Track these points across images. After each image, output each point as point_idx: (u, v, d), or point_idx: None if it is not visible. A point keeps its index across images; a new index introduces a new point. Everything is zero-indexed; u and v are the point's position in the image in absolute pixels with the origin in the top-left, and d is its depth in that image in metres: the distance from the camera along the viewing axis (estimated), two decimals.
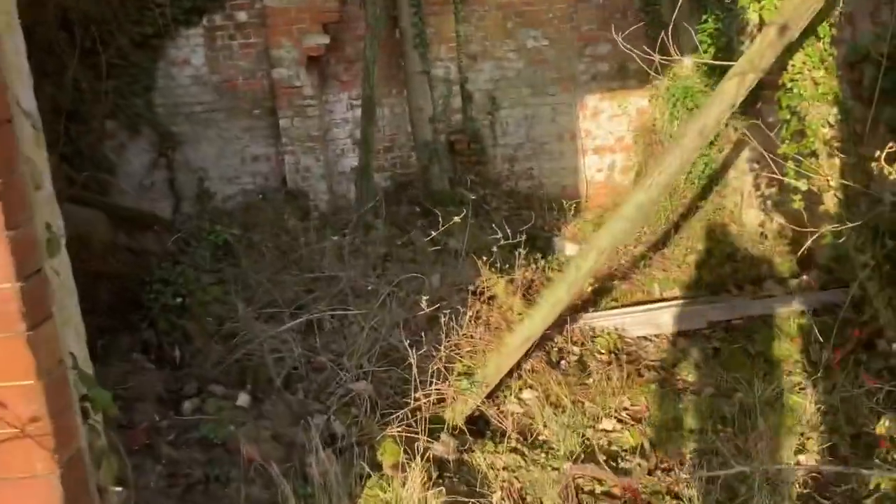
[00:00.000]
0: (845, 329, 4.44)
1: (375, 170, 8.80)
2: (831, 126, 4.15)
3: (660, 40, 9.01)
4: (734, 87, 3.74)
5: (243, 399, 4.10)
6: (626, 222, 3.94)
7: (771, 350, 4.79)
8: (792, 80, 4.05)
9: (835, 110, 4.15)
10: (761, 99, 6.13)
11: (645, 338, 5.23)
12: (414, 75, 7.59)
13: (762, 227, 6.73)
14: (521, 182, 9.76)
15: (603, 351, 4.97)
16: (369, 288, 5.07)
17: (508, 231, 7.67)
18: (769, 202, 6.58)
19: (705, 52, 7.30)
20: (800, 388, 4.35)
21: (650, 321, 5.25)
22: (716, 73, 6.65)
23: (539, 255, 6.94)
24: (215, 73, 9.19)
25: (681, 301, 5.42)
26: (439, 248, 7.04)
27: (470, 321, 4.68)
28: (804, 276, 5.18)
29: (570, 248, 8.04)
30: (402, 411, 3.66)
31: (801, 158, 4.27)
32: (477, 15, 9.26)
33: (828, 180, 4.17)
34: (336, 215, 9.15)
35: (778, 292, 5.16)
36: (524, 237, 7.00)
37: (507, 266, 6.11)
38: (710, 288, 6.06)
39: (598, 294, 6.41)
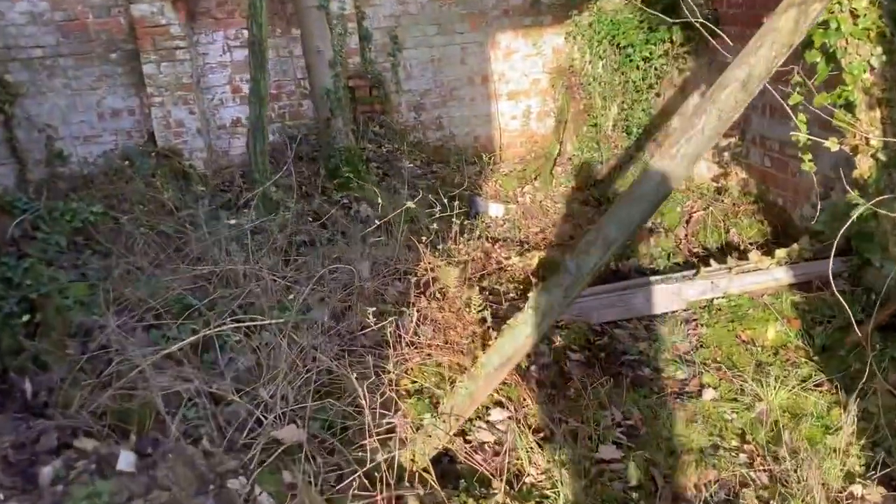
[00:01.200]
0: (853, 306, 3.80)
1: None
2: (873, 70, 3.41)
3: None
4: (791, 23, 2.88)
5: (126, 460, 2.99)
6: (644, 203, 3.07)
7: (766, 334, 4.12)
8: (829, 13, 3.25)
9: (879, 50, 3.39)
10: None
11: (616, 324, 4.46)
12: (308, 10, 6.34)
13: (716, 182, 6.07)
14: (430, 133, 8.74)
15: (575, 347, 4.15)
16: (283, 285, 3.98)
17: (429, 197, 6.76)
18: (726, 154, 5.91)
19: None
20: (815, 385, 3.70)
21: (621, 304, 4.47)
22: (657, 6, 5.80)
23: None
24: (58, 10, 7.56)
25: (650, 278, 4.66)
26: (358, 220, 5.99)
27: (417, 324, 3.72)
28: (795, 244, 4.54)
29: (494, 209, 7.16)
30: (355, 476, 2.67)
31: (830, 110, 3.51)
32: None
33: (866, 138, 3.46)
34: (218, 176, 7.86)
35: (763, 263, 4.49)
36: (454, 202, 6.10)
37: (440, 238, 5.15)
38: (673, 258, 5.38)
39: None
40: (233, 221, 4.59)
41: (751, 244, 5.26)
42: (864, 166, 3.55)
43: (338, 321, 3.81)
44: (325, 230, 5.53)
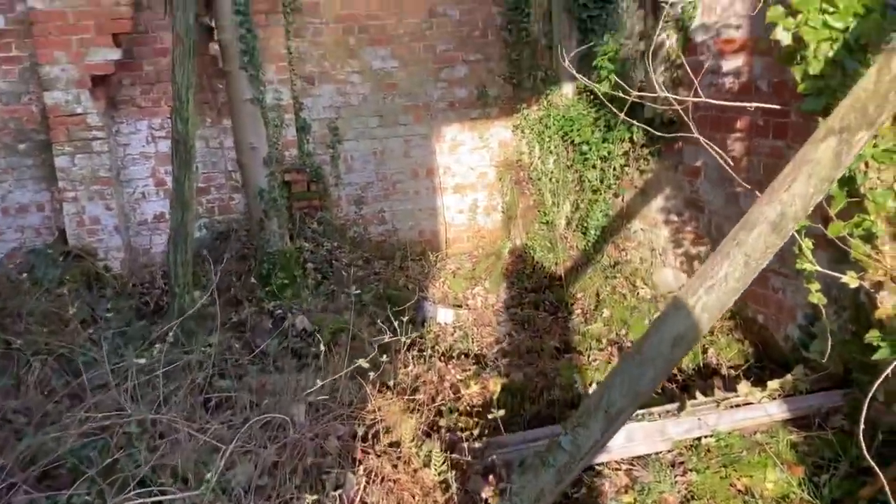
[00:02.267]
0: (855, 449, 3.33)
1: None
2: None
3: (530, 62, 8.02)
4: (831, 154, 2.44)
5: None
6: (656, 365, 2.53)
7: (764, 483, 3.61)
8: None
9: None
10: (690, 140, 5.07)
11: (594, 469, 3.88)
12: (242, 104, 5.80)
13: None
14: (372, 228, 8.18)
15: None
16: (200, 442, 3.28)
17: (371, 308, 6.17)
18: (696, 263, 5.51)
19: (604, 79, 6.14)
20: None
21: None
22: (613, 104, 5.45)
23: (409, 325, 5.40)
24: None
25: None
26: (293, 334, 5.33)
27: (365, 488, 3.06)
28: (789, 375, 4.09)
29: (443, 314, 6.59)
30: None
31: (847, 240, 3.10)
32: (312, 29, 7.59)
33: (892, 274, 3.05)
34: (137, 277, 7.11)
35: (754, 396, 4.02)
36: (399, 308, 5.52)
37: (386, 357, 4.51)
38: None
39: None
40: (142, 361, 3.88)
41: (731, 367, 4.80)
42: (889, 305, 3.14)
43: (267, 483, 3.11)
44: (254, 351, 4.84)
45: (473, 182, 8.49)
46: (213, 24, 6.22)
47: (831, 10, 3.08)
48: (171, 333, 4.29)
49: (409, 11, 7.83)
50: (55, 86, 6.65)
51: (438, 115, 8.17)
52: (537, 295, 6.97)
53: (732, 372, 4.73)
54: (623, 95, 3.69)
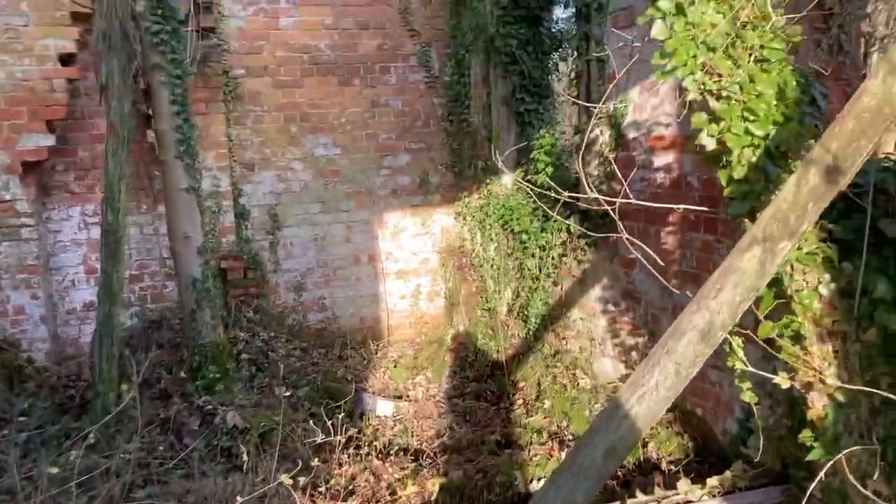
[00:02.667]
0: None
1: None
2: (822, 298, 3.06)
3: (471, 152, 8.14)
4: (756, 263, 2.46)
5: None
6: (587, 478, 2.46)
7: None
8: None
9: (827, 277, 3.06)
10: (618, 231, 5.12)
11: None
12: (177, 193, 5.69)
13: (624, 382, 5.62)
14: (311, 315, 8.04)
15: None
16: None
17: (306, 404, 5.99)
18: (634, 353, 5.52)
19: (541, 171, 6.24)
20: None
21: None
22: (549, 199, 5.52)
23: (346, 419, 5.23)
24: None
25: None
26: (223, 432, 5.11)
27: None
28: (728, 472, 4.04)
29: (382, 407, 6.42)
30: None
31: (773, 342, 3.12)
32: (254, 116, 7.60)
33: (820, 376, 3.06)
34: (64, 368, 6.80)
35: (693, 493, 3.95)
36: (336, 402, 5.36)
37: (317, 462, 4.33)
38: None
39: None
40: (55, 471, 3.63)
41: (671, 462, 4.75)
42: (819, 405, 3.14)
43: None
44: (180, 452, 4.60)
45: (416, 268, 8.46)
46: (150, 112, 6.16)
47: (752, 118, 3.19)
48: (91, 435, 4.05)
49: (352, 101, 7.92)
50: None
51: (381, 202, 8.19)
52: (479, 384, 6.87)
53: (673, 468, 4.68)
54: (555, 195, 3.72)
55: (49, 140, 6.63)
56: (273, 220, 7.77)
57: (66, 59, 6.70)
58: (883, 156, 3.63)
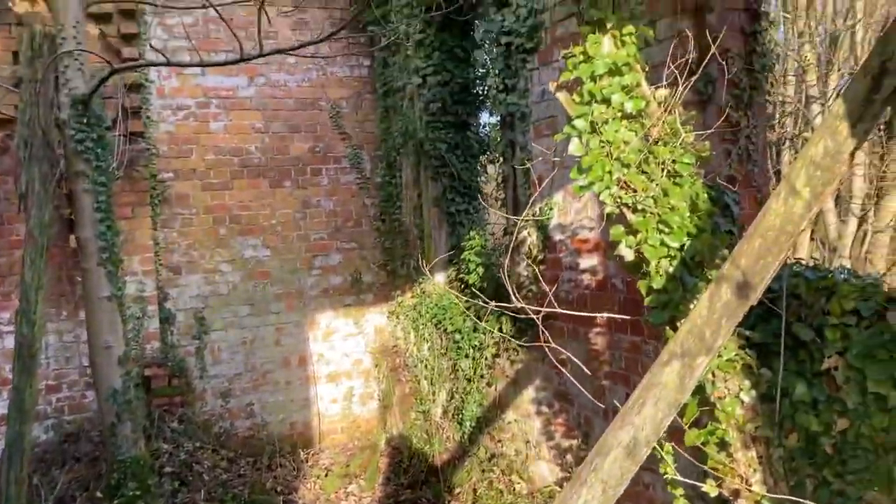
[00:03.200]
0: None
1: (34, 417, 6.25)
2: (744, 404, 3.10)
3: (403, 251, 8.18)
4: (676, 378, 2.49)
5: None
6: None
7: None
8: None
9: (747, 384, 3.11)
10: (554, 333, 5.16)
11: None
12: (98, 302, 5.51)
13: (560, 487, 5.55)
14: (239, 422, 7.76)
15: None
16: None
17: None
18: (569, 456, 5.46)
19: (472, 271, 6.29)
20: None
21: None
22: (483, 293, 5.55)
23: None
24: None
25: None
26: None
27: None
28: None
29: None
30: None
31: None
32: (181, 219, 7.51)
33: (746, 484, 3.06)
34: None
35: None
36: None
37: None
38: None
39: None
40: None
41: None
42: None
43: None
44: None
45: (349, 369, 8.32)
46: (72, 217, 6.02)
47: (667, 230, 3.30)
48: None
49: (283, 203, 7.93)
50: None
51: (312, 303, 8.10)
52: (414, 491, 6.69)
53: None
54: (483, 304, 3.74)
55: None
56: (200, 324, 7.58)
57: None
58: (794, 262, 3.78)
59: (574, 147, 3.45)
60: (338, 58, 8.05)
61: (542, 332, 3.54)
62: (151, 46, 6.23)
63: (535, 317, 3.61)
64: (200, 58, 6.08)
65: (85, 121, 5.59)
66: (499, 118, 6.33)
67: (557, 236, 5.61)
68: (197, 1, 4.86)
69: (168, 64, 5.38)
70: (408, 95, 7.62)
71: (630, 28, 3.41)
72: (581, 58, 3.45)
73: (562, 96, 3.55)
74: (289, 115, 7.98)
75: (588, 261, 5.29)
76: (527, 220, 5.68)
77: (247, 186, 7.78)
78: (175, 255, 7.48)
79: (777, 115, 10.72)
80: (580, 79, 3.48)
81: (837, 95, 6.24)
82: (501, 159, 6.43)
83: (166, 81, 7.46)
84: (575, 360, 3.78)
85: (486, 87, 7.25)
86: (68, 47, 5.49)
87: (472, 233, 6.63)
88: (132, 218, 7.06)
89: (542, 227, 5.71)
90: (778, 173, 10.55)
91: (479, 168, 7.61)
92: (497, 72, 6.04)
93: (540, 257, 5.73)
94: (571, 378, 4.47)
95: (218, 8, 4.90)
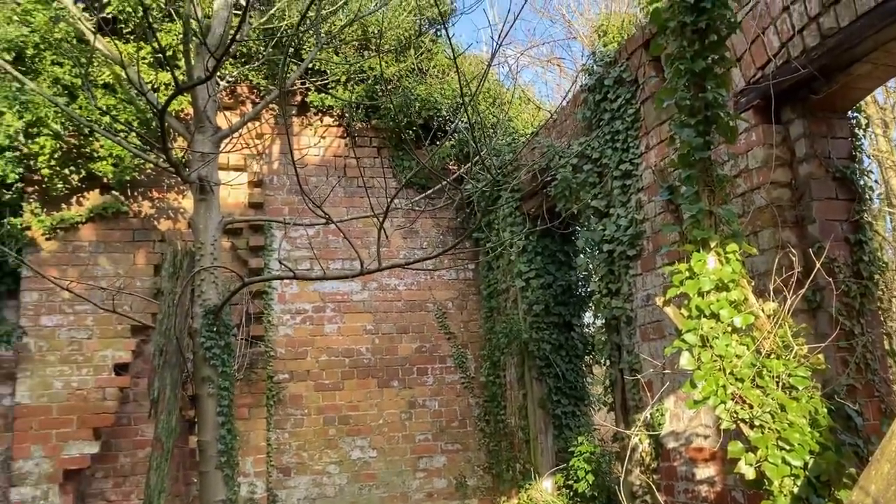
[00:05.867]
0: None
1: None
2: None
3: (509, 454, 8.06)
4: None
5: None
6: None
7: None
8: None
9: None
10: None
11: None
12: None
13: None
14: None
15: None
16: None
17: None
18: None
19: (581, 478, 6.13)
20: None
21: None
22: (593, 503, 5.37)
23: None
24: None
25: None
26: None
27: None
28: None
29: None
30: None
31: None
32: (294, 420, 7.75)
33: None
34: None
35: None
36: None
37: None
38: None
39: None
40: None
41: None
42: None
43: None
44: None
45: None
46: (194, 420, 6.32)
47: (787, 447, 3.21)
48: None
49: (390, 403, 8.08)
50: (24, 481, 6.52)
51: None
52: None
53: None
54: None
55: (94, 448, 6.77)
56: None
57: (119, 369, 7.07)
58: None
59: (685, 361, 3.48)
60: (445, 261, 8.50)
61: None
62: (281, 262, 6.78)
63: None
64: (322, 268, 6.57)
65: (214, 329, 6.04)
66: (603, 320, 6.42)
67: (671, 444, 5.45)
68: (319, 216, 5.33)
69: (295, 277, 5.82)
70: (511, 297, 7.88)
71: (733, 246, 3.53)
72: (686, 274, 3.57)
73: (669, 311, 3.64)
74: (398, 316, 8.33)
75: (705, 471, 5.09)
76: (638, 427, 5.58)
77: (356, 387, 8.02)
78: (286, 456, 7.64)
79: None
80: (687, 294, 3.58)
81: None
82: (608, 362, 6.45)
83: (287, 288, 8.02)
84: None
85: (589, 290, 7.42)
86: (205, 263, 6.05)
87: (580, 437, 6.53)
88: (248, 419, 7.34)
89: (654, 435, 5.58)
90: None
91: (584, 369, 7.61)
92: (600, 277, 6.21)
93: (653, 466, 5.55)
94: None
95: (339, 224, 5.37)
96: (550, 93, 17.92)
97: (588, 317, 7.86)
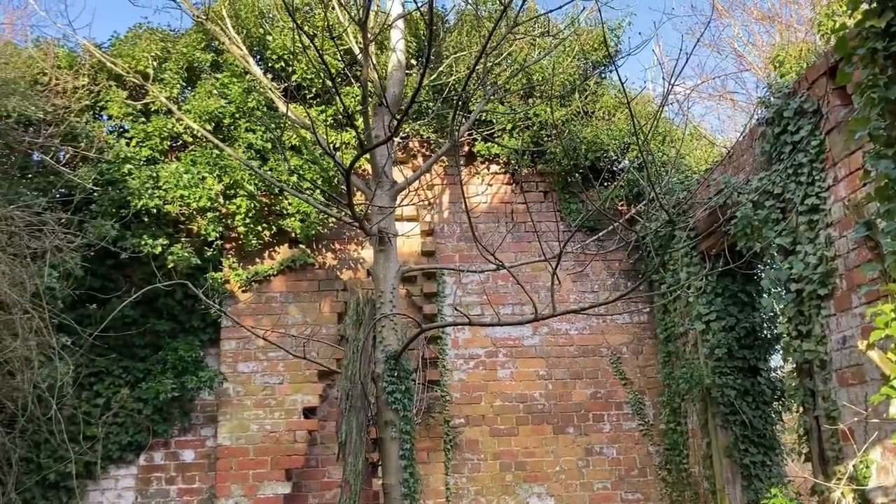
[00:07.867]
0: None
1: None
2: None
3: None
4: None
5: None
6: None
7: None
8: None
9: None
10: None
11: None
12: None
13: None
14: None
15: None
16: None
17: None
18: None
19: None
20: None
21: None
22: None
23: None
24: None
25: None
26: None
27: None
28: None
29: None
30: None
31: None
32: (470, 465, 7.83)
33: None
34: None
35: None
36: None
37: None
38: None
39: None
40: None
41: None
42: None
43: None
44: None
45: None
46: (377, 462, 6.56)
47: None
48: None
49: (566, 449, 7.97)
50: None
51: None
52: None
53: None
54: None
55: (286, 488, 7.18)
56: None
57: (308, 412, 7.49)
58: None
59: (895, 409, 3.21)
60: (619, 304, 8.34)
61: None
62: (457, 309, 6.96)
63: None
64: (496, 313, 6.65)
65: (395, 374, 6.27)
66: (794, 364, 6.02)
67: (879, 499, 4.97)
68: (490, 262, 5.45)
69: (470, 323, 5.95)
70: (690, 341, 7.58)
71: None
72: (892, 315, 3.31)
73: (874, 355, 3.38)
74: (570, 361, 8.25)
75: None
76: (841, 481, 5.15)
77: (531, 433, 7.98)
78: (464, 501, 7.71)
79: None
80: (893, 337, 3.31)
81: None
82: (800, 409, 6.02)
83: (460, 333, 8.19)
84: None
85: (776, 332, 7.00)
86: (385, 310, 6.32)
87: (772, 490, 6.11)
88: (427, 463, 7.51)
89: (859, 489, 5.12)
90: None
91: (772, 416, 7.13)
92: (788, 318, 5.85)
93: None
94: None
95: (510, 269, 5.45)
96: (723, 126, 17.26)
97: (775, 360, 7.40)
